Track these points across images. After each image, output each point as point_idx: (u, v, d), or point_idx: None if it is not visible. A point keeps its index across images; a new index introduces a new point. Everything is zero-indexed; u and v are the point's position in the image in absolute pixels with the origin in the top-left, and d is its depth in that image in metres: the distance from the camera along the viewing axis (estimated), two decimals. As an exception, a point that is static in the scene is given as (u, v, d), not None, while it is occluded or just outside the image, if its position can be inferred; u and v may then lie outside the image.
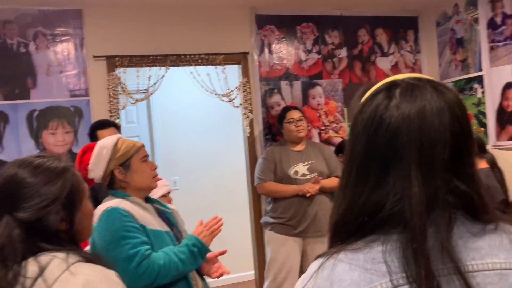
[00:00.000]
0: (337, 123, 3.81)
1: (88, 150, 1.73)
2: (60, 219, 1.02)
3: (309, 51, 3.74)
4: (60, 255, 0.97)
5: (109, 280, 0.98)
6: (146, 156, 1.76)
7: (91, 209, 1.16)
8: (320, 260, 0.68)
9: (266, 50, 3.62)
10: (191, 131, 4.48)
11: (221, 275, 1.80)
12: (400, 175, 0.66)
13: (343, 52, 3.83)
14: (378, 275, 0.63)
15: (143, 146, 1.77)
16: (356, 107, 0.74)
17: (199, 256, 1.67)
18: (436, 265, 0.62)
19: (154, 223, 1.67)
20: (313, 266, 0.69)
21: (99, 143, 1.72)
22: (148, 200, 1.80)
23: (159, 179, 2.39)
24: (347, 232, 0.69)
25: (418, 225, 0.63)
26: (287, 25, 3.68)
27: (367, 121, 0.69)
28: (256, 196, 3.51)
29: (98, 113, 3.16)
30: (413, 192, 0.64)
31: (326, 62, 3.79)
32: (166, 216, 1.81)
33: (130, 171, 1.70)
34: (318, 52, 3.77)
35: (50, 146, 3.09)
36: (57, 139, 3.10)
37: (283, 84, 3.66)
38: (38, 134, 3.08)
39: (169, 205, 1.91)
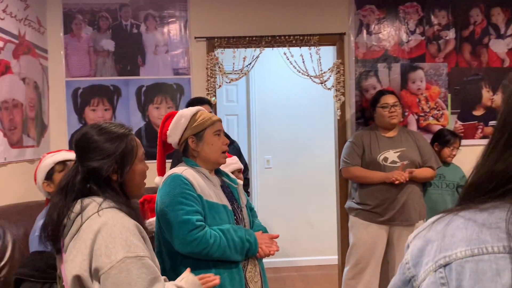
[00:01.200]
0: (438, 110, 3.57)
1: (170, 117, 1.85)
2: (112, 170, 1.32)
3: (412, 32, 3.54)
4: (98, 200, 1.27)
5: (122, 226, 1.21)
6: (220, 130, 1.83)
7: (143, 170, 1.41)
8: (439, 215, 0.71)
9: (364, 31, 3.51)
10: (285, 112, 4.56)
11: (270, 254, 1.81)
12: None
13: (450, 34, 3.55)
14: (493, 238, 0.63)
15: (219, 120, 1.85)
16: None
17: (245, 254, 1.72)
18: None
19: (212, 195, 1.73)
20: (431, 219, 0.72)
21: (180, 112, 1.83)
22: (217, 172, 1.89)
23: (229, 156, 2.51)
24: (479, 195, 0.70)
25: None
26: (388, 5, 3.51)
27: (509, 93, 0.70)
28: (343, 180, 3.48)
29: (197, 90, 3.40)
30: None
31: (431, 44, 3.55)
32: (231, 190, 1.87)
33: (202, 142, 1.78)
34: (422, 34, 3.54)
35: (154, 119, 3.41)
36: (160, 113, 3.41)
37: (381, 66, 3.52)
38: (144, 108, 3.41)
39: (237, 180, 1.98)
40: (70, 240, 1.23)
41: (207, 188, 1.74)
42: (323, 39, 3.43)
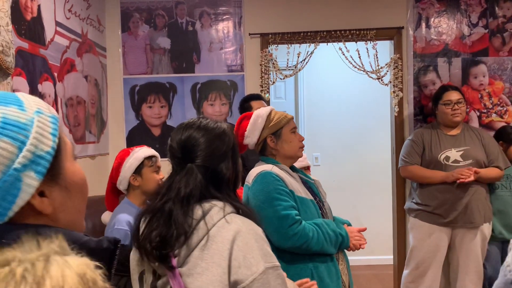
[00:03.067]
0: (502, 106, 3.40)
1: (245, 118, 1.88)
2: (229, 169, 1.22)
3: (474, 25, 3.38)
4: (219, 204, 1.16)
5: (256, 234, 1.13)
6: (295, 127, 1.87)
7: (241, 165, 1.33)
8: None
9: (423, 24, 3.38)
10: (336, 108, 4.48)
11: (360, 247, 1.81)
12: None
13: (516, 26, 3.37)
14: None
15: (292, 118, 1.89)
16: None
17: (338, 247, 1.73)
18: None
19: (300, 190, 1.76)
20: None
21: (256, 113, 1.86)
22: (293, 169, 1.90)
23: None
24: None
25: None
26: (449, -4, 3.37)
27: None
28: (400, 180, 3.38)
29: (250, 87, 3.39)
30: None
31: (494, 37, 3.38)
32: (309, 186, 1.88)
33: (280, 140, 1.82)
34: (485, 26, 3.38)
35: (208, 116, 3.42)
36: (215, 110, 3.43)
37: (440, 61, 3.39)
38: (199, 104, 3.44)
39: (311, 176, 2.00)
40: (192, 250, 1.10)
41: (296, 184, 1.77)
42: (380, 34, 3.34)
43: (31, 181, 0.59)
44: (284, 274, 1.16)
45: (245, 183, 1.83)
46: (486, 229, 2.85)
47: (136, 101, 3.45)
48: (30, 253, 0.49)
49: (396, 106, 3.35)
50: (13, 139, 0.58)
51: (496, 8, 3.37)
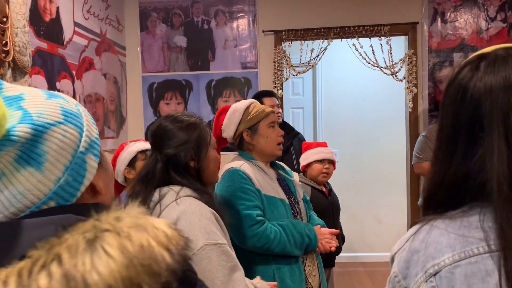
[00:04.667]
0: (522, 102, 3.32)
1: (224, 111, 1.86)
2: (190, 157, 1.34)
3: (492, 19, 3.32)
4: (176, 188, 1.29)
5: (201, 214, 1.22)
6: (274, 122, 1.82)
7: (217, 157, 1.43)
8: (417, 226, 0.72)
9: (439, 19, 3.35)
10: (352, 105, 4.47)
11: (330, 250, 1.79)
12: (484, 145, 0.65)
13: (537, 19, 3.28)
14: (474, 239, 0.64)
15: (272, 112, 1.83)
16: (448, 78, 0.75)
17: (304, 249, 1.71)
18: None
19: (270, 189, 1.72)
20: (410, 231, 0.73)
21: (233, 106, 1.83)
22: (272, 165, 1.87)
23: (324, 145, 2.49)
24: (439, 202, 0.71)
25: (502, 194, 0.63)
26: (466, -10, 3.32)
27: (453, 92, 0.71)
28: (414, 176, 3.36)
29: (264, 84, 3.44)
30: (495, 161, 0.64)
31: (514, 31, 3.31)
32: (286, 183, 1.84)
33: (257, 134, 1.78)
34: (504, 20, 3.31)
35: (223, 112, 3.51)
36: (229, 106, 3.50)
37: (457, 56, 3.35)
38: (214, 101, 3.52)
39: (293, 173, 1.95)
40: None
41: (265, 182, 1.73)
42: (394, 29, 3.33)
43: (93, 162, 0.66)
44: (233, 253, 1.21)
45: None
46: None
47: (154, 98, 3.56)
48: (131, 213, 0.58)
49: (411, 102, 3.33)
50: (75, 126, 0.65)
51: (516, 2, 3.30)
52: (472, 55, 0.73)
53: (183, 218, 1.20)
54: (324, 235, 1.77)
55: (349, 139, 4.48)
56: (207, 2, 3.50)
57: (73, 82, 2.63)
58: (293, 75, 3.43)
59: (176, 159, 1.32)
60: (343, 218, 4.23)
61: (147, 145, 2.03)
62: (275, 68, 3.40)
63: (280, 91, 3.37)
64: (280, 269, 1.65)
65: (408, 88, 3.33)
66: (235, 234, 1.66)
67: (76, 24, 2.69)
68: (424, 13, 3.34)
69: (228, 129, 1.81)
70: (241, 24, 3.49)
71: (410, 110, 3.37)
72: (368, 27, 3.32)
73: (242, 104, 1.82)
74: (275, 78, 3.40)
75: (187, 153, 1.33)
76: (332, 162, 2.51)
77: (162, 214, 1.23)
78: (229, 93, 3.51)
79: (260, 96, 2.95)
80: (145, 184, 1.31)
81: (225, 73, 3.51)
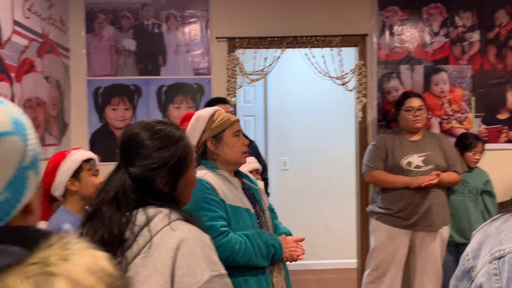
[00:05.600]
0: (462, 113, 3.50)
1: (187, 119, 1.80)
2: (164, 182, 1.14)
3: (436, 34, 3.48)
4: (165, 211, 1.11)
5: (202, 242, 1.09)
6: (239, 131, 1.78)
7: (194, 178, 1.27)
8: (499, 215, 0.77)
9: (387, 32, 3.46)
10: (304, 113, 4.53)
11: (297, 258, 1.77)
12: None
13: (475, 36, 3.48)
14: None
15: (237, 120, 1.79)
16: None
17: (269, 259, 1.68)
18: None
19: (235, 199, 1.68)
20: (491, 219, 0.78)
21: (197, 113, 1.77)
22: (237, 174, 1.82)
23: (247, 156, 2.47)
24: None
25: None
26: (412, 6, 3.46)
27: None
28: (363, 184, 3.43)
29: (217, 91, 3.38)
30: None
31: (455, 46, 3.49)
32: (252, 192, 1.81)
33: (221, 143, 1.73)
34: (446, 35, 3.48)
35: (174, 119, 3.40)
36: (180, 113, 3.40)
37: (403, 68, 3.47)
38: (165, 107, 3.41)
39: (258, 182, 1.92)
40: (134, 257, 1.06)
41: (230, 192, 1.69)
42: (345, 40, 3.40)
43: (34, 179, 0.60)
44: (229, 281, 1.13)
45: None
46: (445, 232, 2.93)
47: (100, 103, 3.39)
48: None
49: (360, 112, 3.41)
50: (22, 137, 0.59)
51: (456, 18, 3.48)
52: None
53: (184, 247, 1.06)
54: (290, 244, 1.75)
55: (300, 147, 4.52)
56: (158, 6, 3.39)
57: (11, 85, 2.43)
58: (247, 83, 3.41)
59: (149, 183, 1.13)
60: (292, 226, 4.27)
61: (90, 153, 1.89)
62: (228, 75, 3.36)
63: (233, 99, 3.32)
64: (247, 281, 1.61)
65: (358, 98, 3.41)
66: None
67: (15, 22, 2.49)
68: (374, 25, 3.44)
69: (191, 137, 1.71)
70: (194, 29, 3.42)
71: (360, 120, 3.44)
72: (320, 38, 3.37)
73: (206, 112, 1.76)
74: (228, 85, 3.36)
75: (162, 178, 1.14)
76: (257, 171, 2.50)
77: (154, 241, 1.06)
78: (181, 99, 3.41)
79: (213, 103, 2.89)
80: (116, 206, 1.11)
81: (176, 78, 3.41)
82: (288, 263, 1.77)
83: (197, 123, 1.74)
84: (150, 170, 1.13)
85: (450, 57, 3.49)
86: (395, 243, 2.93)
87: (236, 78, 3.38)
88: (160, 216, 1.09)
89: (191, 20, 3.41)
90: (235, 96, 3.38)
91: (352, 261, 3.84)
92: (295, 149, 4.54)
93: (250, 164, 2.38)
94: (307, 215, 4.52)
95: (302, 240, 1.82)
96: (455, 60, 3.49)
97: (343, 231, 4.36)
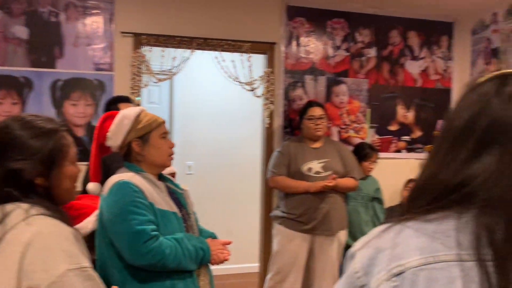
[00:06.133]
0: (358, 124, 3.74)
1: (109, 118, 1.71)
2: (36, 173, 1.11)
3: (338, 48, 3.68)
4: (24, 206, 1.07)
5: (60, 235, 1.05)
6: (166, 133, 1.75)
7: (74, 173, 1.22)
8: (386, 225, 0.70)
9: (294, 42, 3.57)
10: (211, 117, 4.47)
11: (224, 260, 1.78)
12: (497, 157, 0.66)
13: (372, 52, 3.75)
14: (445, 246, 0.63)
15: (164, 122, 1.76)
16: (467, 85, 0.75)
17: (198, 262, 1.67)
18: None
19: (162, 202, 1.65)
20: (377, 228, 0.70)
21: (122, 112, 1.70)
22: (160, 178, 1.79)
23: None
24: (424, 200, 0.70)
25: (501, 206, 0.63)
26: (317, 19, 3.61)
27: (475, 100, 0.70)
28: (268, 189, 3.48)
29: (120, 89, 3.18)
30: (497, 177, 0.64)
31: (354, 60, 3.72)
32: (176, 196, 1.78)
33: (147, 145, 1.68)
34: (347, 50, 3.70)
35: (70, 117, 3.13)
36: (78, 111, 3.14)
37: (308, 78, 3.61)
38: (60, 104, 3.12)
39: (181, 185, 1.90)
40: None
41: (158, 195, 1.64)
42: (255, 47, 3.43)
43: None
44: (98, 276, 1.07)
45: (101, 193, 1.67)
46: (343, 236, 3.09)
47: (-19, 95, 2.98)
48: None
49: (267, 118, 3.46)
50: None
51: (357, 34, 3.72)
52: (502, 70, 0.74)
53: (37, 240, 1.01)
54: (217, 246, 1.74)
55: (205, 151, 4.46)
56: (56, -8, 3.10)
57: None
58: (154, 82, 3.26)
59: (18, 174, 1.09)
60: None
61: None
62: (133, 73, 3.18)
63: (138, 98, 3.16)
64: (174, 285, 1.58)
65: (265, 104, 3.45)
66: (127, 251, 1.54)
67: None
68: (282, 34, 3.52)
69: (115, 137, 1.66)
70: (96, 21, 3.18)
71: (267, 126, 3.50)
72: (230, 42, 3.35)
73: (132, 112, 1.69)
74: (133, 84, 3.18)
75: (33, 168, 1.10)
76: (173, 175, 2.45)
77: (7, 237, 1.02)
78: (78, 95, 3.14)
79: (115, 101, 2.72)
80: None
81: (75, 73, 3.14)
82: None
83: (121, 123, 1.67)
84: (21, 160, 1.10)
85: (350, 70, 3.72)
86: (295, 247, 3.01)
87: (141, 76, 3.21)
88: (17, 211, 1.06)
89: (93, 12, 3.17)
90: (139, 95, 3.21)
91: (254, 265, 3.88)
92: (200, 153, 4.46)
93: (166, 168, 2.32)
94: (210, 220, 4.42)
95: (229, 243, 1.82)
96: (354, 74, 3.72)
97: (246, 236, 4.38)
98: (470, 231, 0.64)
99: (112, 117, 1.71)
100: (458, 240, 0.64)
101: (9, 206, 1.07)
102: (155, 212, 1.60)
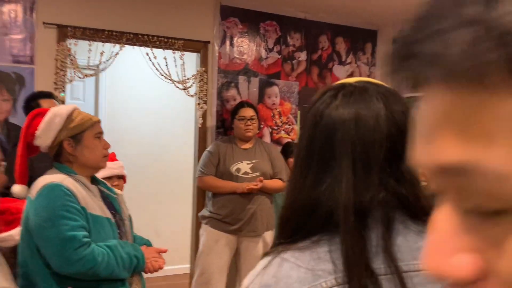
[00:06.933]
0: (289, 125, 3.83)
1: (39, 115, 1.61)
2: None
3: (270, 50, 3.73)
4: None
5: None
6: (101, 133, 1.68)
7: None
8: (267, 259, 0.68)
9: (228, 42, 3.56)
10: (141, 116, 4.32)
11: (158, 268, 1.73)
12: (333, 173, 0.67)
13: (302, 56, 3.86)
14: (323, 273, 0.64)
15: (99, 121, 1.69)
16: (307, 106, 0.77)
17: (131, 270, 1.62)
18: (377, 263, 0.64)
19: (95, 207, 1.58)
20: (260, 264, 0.69)
21: (53, 110, 1.61)
22: (93, 181, 1.71)
23: (114, 160, 2.26)
24: (291, 227, 0.70)
25: (348, 224, 0.64)
26: (251, 20, 3.64)
27: (311, 117, 0.72)
28: (200, 189, 3.43)
29: (42, 83, 2.95)
30: (342, 190, 0.66)
31: (286, 63, 3.80)
32: (110, 201, 1.71)
33: (80, 145, 1.61)
34: (279, 52, 3.77)
35: (-17, 113, 2.84)
36: (-8, 106, 2.86)
37: (241, 79, 3.62)
38: (-29, 98, 2.82)
39: (115, 190, 1.82)
40: None
41: (90, 199, 1.57)
42: (188, 45, 3.36)
43: None
44: None
45: (28, 195, 1.55)
46: (269, 236, 3.10)
47: None
48: None
49: (200, 118, 3.41)
50: None
51: (288, 37, 3.80)
52: (336, 82, 0.76)
53: None
54: (152, 254, 1.68)
55: (135, 151, 4.29)
56: (-33, -26, 2.81)
57: None
58: (79, 77, 3.07)
59: None
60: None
61: None
62: (57, 67, 2.97)
63: (62, 94, 2.95)
64: None
65: (199, 104, 3.40)
66: (56, 258, 1.45)
67: None
68: (216, 34, 3.50)
69: (45, 136, 1.56)
70: (14, 10, 2.93)
71: (200, 126, 3.45)
72: (162, 39, 3.26)
73: (64, 109, 1.61)
74: (56, 78, 2.97)
75: None
76: (122, 177, 2.37)
77: None
78: (-7, 90, 2.87)
79: (36, 97, 2.55)
80: None
81: (-11, 65, 2.86)
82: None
83: (52, 121, 1.58)
84: None
85: (281, 72, 3.79)
86: (220, 248, 2.99)
87: (66, 71, 3.01)
88: None
89: (11, -1, 2.92)
90: (63, 91, 3.01)
91: (185, 267, 3.80)
92: (129, 153, 4.27)
93: (112, 169, 2.23)
94: (137, 221, 4.26)
95: (165, 251, 1.77)
96: (285, 76, 3.80)
97: (177, 237, 4.29)
98: (339, 252, 0.65)
99: (41, 115, 1.60)
100: (334, 264, 0.64)
101: None
102: (87, 217, 1.53)
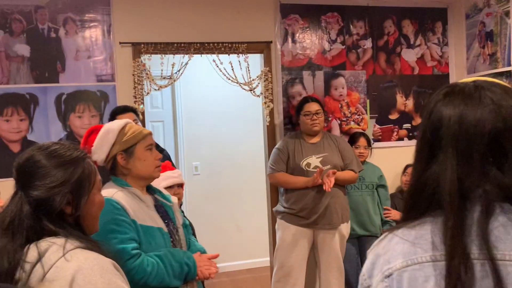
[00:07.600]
0: (359, 115, 3.79)
1: (94, 131, 1.71)
2: (66, 202, 1.09)
3: (333, 41, 3.72)
4: (59, 241, 1.04)
5: (101, 268, 1.03)
6: (152, 144, 1.72)
7: (101, 201, 1.21)
8: (384, 234, 0.84)
9: (290, 39, 3.62)
10: (213, 118, 4.56)
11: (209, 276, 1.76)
12: (439, 161, 0.78)
13: (367, 43, 3.79)
14: (422, 250, 0.76)
15: (150, 134, 1.74)
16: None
17: (183, 278, 1.66)
18: (471, 248, 0.72)
19: (146, 218, 1.63)
20: (379, 238, 0.86)
21: (106, 126, 1.70)
22: (149, 189, 1.77)
23: (172, 169, 2.41)
24: (406, 206, 0.84)
25: (450, 207, 0.74)
26: (311, 14, 3.66)
27: (425, 112, 0.84)
28: (273, 185, 3.55)
29: (123, 98, 3.26)
30: (447, 176, 0.75)
31: (350, 52, 3.76)
32: (165, 209, 1.75)
33: (133, 158, 1.66)
34: (342, 43, 3.74)
35: (77, 129, 3.22)
36: (83, 122, 3.22)
37: (305, 74, 3.66)
38: (65, 117, 3.20)
39: (172, 198, 1.87)
40: None
41: (141, 211, 1.63)
42: (251, 47, 3.48)
43: None
44: None
45: None
46: (344, 228, 3.11)
47: (-11, 114, 3.08)
48: None
49: (268, 116, 3.52)
50: None
51: (351, 27, 3.76)
52: (452, 82, 0.87)
53: (80, 277, 0.98)
54: (203, 262, 1.73)
55: (211, 151, 4.54)
56: (54, 9, 3.17)
57: None
58: (155, 89, 3.33)
59: (48, 204, 1.07)
60: (205, 230, 4.29)
61: None
62: (135, 82, 3.26)
63: (141, 106, 3.23)
64: None
65: (265, 103, 3.52)
66: None
67: None
68: (277, 33, 3.58)
69: (100, 151, 1.65)
70: (95, 34, 3.25)
71: (268, 124, 3.56)
72: (227, 44, 3.41)
73: (116, 124, 1.68)
74: (135, 92, 3.26)
75: (63, 197, 1.08)
76: (181, 185, 2.44)
77: (48, 277, 0.98)
78: (83, 108, 3.23)
79: (114, 114, 2.76)
80: (11, 235, 1.03)
81: (77, 86, 3.22)
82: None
83: (106, 136, 1.66)
84: (50, 190, 1.08)
85: (346, 63, 3.76)
86: (297, 242, 3.04)
87: (143, 84, 3.29)
88: (53, 248, 1.02)
89: (91, 24, 3.25)
90: (142, 103, 3.29)
91: (265, 259, 3.96)
92: (206, 154, 4.54)
93: (173, 178, 2.30)
94: (219, 218, 4.56)
95: (216, 256, 1.81)
96: (351, 66, 3.77)
97: (255, 231, 4.47)
98: (441, 231, 0.75)
99: (96, 131, 1.70)
100: (433, 243, 0.75)
101: (43, 244, 1.03)
102: (137, 229, 1.58)
